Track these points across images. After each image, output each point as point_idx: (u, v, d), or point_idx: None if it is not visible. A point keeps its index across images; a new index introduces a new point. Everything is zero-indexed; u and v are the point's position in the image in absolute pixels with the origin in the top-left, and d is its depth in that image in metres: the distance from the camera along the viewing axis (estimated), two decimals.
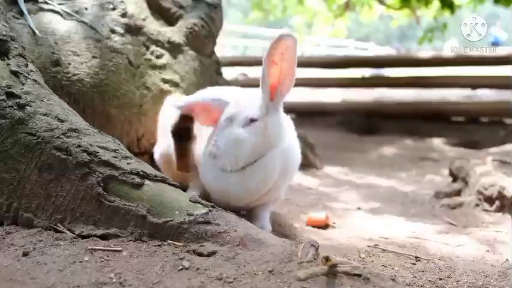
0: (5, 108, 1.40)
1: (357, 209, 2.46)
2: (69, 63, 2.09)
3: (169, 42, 2.46)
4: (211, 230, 1.24)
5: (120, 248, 1.21)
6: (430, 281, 1.41)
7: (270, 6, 10.09)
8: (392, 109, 5.99)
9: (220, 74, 2.86)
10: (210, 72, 2.71)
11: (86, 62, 2.13)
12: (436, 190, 2.73)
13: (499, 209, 2.21)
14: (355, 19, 13.40)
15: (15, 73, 1.49)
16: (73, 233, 1.29)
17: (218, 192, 1.65)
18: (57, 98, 1.54)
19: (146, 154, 2.27)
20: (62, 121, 1.42)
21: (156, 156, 2.09)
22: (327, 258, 1.03)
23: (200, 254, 1.19)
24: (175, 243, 1.23)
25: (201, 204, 1.32)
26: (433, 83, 6.31)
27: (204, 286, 1.04)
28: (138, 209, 1.28)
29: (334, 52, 16.79)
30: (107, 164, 1.34)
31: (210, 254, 1.18)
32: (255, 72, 9.41)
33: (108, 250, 1.20)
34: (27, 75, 1.51)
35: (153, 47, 2.40)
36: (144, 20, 2.44)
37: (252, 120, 1.59)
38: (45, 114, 1.42)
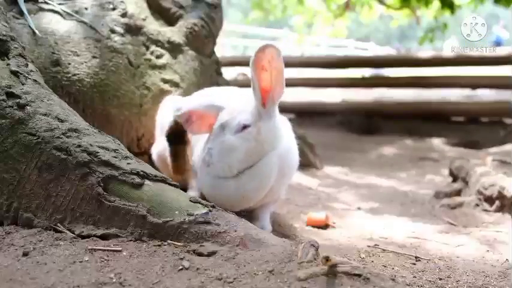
0: (5, 108, 1.40)
1: (357, 209, 2.46)
2: (69, 63, 2.09)
3: (169, 42, 2.47)
4: (211, 230, 1.24)
5: (120, 248, 1.21)
6: (430, 281, 1.41)
7: (270, 6, 10.09)
8: (392, 109, 5.99)
9: (220, 74, 2.86)
10: (210, 72, 2.71)
11: (86, 62, 2.13)
12: (436, 190, 2.73)
13: (499, 209, 2.21)
14: (355, 19, 13.40)
15: (15, 73, 1.49)
16: (73, 233, 1.29)
17: (214, 199, 1.64)
18: (57, 98, 1.54)
19: (146, 154, 2.27)
20: (62, 121, 1.42)
21: (154, 156, 2.10)
22: (327, 258, 1.03)
23: (200, 254, 1.19)
24: (175, 243, 1.23)
25: (201, 204, 1.32)
26: (433, 83, 6.31)
27: (204, 286, 1.04)
28: (138, 209, 1.28)
29: (334, 52, 16.80)
30: (107, 164, 1.34)
31: (210, 254, 1.18)
32: None
33: (108, 250, 1.20)
34: (27, 75, 1.51)
35: (153, 47, 2.40)
36: (144, 20, 2.44)
37: (245, 127, 1.59)
38: (45, 114, 1.42)
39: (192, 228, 1.25)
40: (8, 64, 1.52)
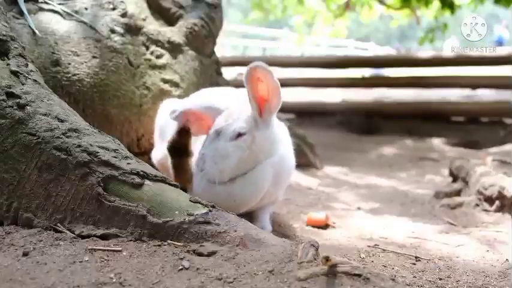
0: (5, 108, 1.40)
1: (357, 209, 2.46)
2: (69, 63, 2.09)
3: (169, 42, 2.47)
4: (211, 230, 1.24)
5: (120, 248, 1.21)
6: (430, 281, 1.41)
7: (270, 6, 10.08)
8: (392, 109, 5.99)
9: (220, 74, 2.86)
10: (210, 72, 2.71)
11: (85, 62, 2.13)
12: (436, 190, 2.73)
13: (499, 209, 2.21)
14: (355, 19, 13.40)
15: (15, 73, 1.49)
16: (73, 233, 1.29)
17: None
18: (57, 98, 1.54)
19: (146, 154, 2.27)
20: (62, 121, 1.42)
21: (155, 162, 2.08)
22: (327, 258, 1.03)
23: (200, 254, 1.19)
24: (175, 243, 1.23)
25: (201, 204, 1.32)
26: (433, 83, 6.30)
27: (204, 286, 1.04)
28: (138, 209, 1.28)
29: (334, 52, 16.79)
30: (107, 164, 1.34)
31: (210, 254, 1.18)
32: None
33: (108, 250, 1.20)
34: (27, 75, 1.51)
35: (153, 47, 2.40)
36: (144, 20, 2.44)
37: (240, 135, 1.59)
38: (45, 114, 1.42)
39: (192, 228, 1.25)
40: (8, 64, 1.52)
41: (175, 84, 2.43)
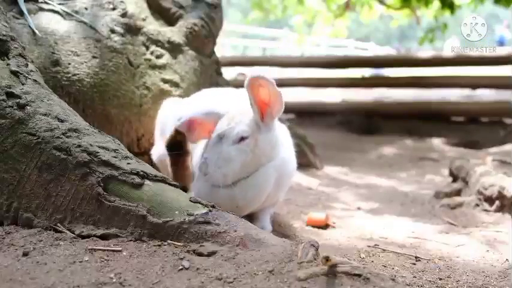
0: (5, 108, 1.40)
1: (357, 209, 2.46)
2: (69, 63, 2.09)
3: (169, 42, 2.47)
4: (211, 230, 1.24)
5: (120, 248, 1.21)
6: (430, 281, 1.42)
7: (270, 6, 10.08)
8: (392, 109, 5.99)
9: (220, 74, 2.86)
10: (210, 72, 2.71)
11: (85, 62, 2.13)
12: (436, 190, 2.73)
13: (499, 209, 2.21)
14: (355, 19, 13.40)
15: (15, 73, 1.49)
16: (73, 233, 1.29)
17: None
18: (57, 98, 1.54)
19: (146, 154, 2.27)
20: (62, 121, 1.42)
21: (155, 159, 2.09)
22: (327, 258, 1.03)
23: (200, 254, 1.19)
24: (175, 243, 1.23)
25: (201, 204, 1.32)
26: (433, 83, 6.30)
27: (204, 286, 1.04)
28: (138, 209, 1.28)
29: (334, 52, 16.79)
30: (107, 164, 1.34)
31: (210, 254, 1.18)
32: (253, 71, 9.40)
33: (108, 250, 1.20)
34: (27, 75, 1.51)
35: (153, 47, 2.40)
36: (144, 20, 2.44)
37: (243, 138, 1.59)
38: (45, 114, 1.42)
39: (192, 228, 1.25)
40: (8, 64, 1.52)
41: (175, 84, 2.43)
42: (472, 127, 5.48)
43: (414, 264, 1.59)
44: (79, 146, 1.36)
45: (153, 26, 2.47)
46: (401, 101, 6.23)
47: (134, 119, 2.28)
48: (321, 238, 1.87)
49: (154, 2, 2.56)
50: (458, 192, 2.61)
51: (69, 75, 2.08)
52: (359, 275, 1.02)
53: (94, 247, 1.21)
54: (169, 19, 2.60)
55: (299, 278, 1.03)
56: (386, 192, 2.91)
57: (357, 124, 5.73)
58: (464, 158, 3.01)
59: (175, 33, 2.51)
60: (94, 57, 2.16)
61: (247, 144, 1.60)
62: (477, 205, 2.33)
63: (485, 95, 7.02)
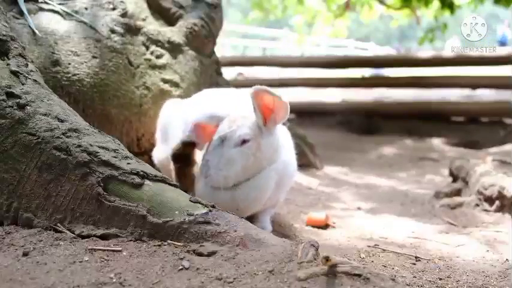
0: (5, 108, 1.40)
1: (357, 209, 2.46)
2: (69, 63, 2.09)
3: (169, 42, 2.47)
4: (211, 230, 1.24)
5: (120, 248, 1.21)
6: (430, 281, 1.42)
7: (270, 6, 10.08)
8: (392, 109, 5.99)
9: (220, 74, 2.86)
10: (210, 72, 2.71)
11: (85, 62, 2.13)
12: (436, 190, 2.73)
13: (499, 209, 2.21)
14: (355, 19, 13.40)
15: (15, 73, 1.49)
16: (73, 233, 1.29)
17: None
18: (57, 98, 1.54)
19: (146, 154, 2.27)
20: (62, 121, 1.42)
21: (156, 161, 2.09)
22: (327, 258, 1.03)
23: (200, 254, 1.19)
24: (175, 243, 1.23)
25: (201, 204, 1.32)
26: (433, 83, 6.30)
27: (204, 286, 1.04)
28: (138, 209, 1.28)
29: (334, 52, 16.79)
30: (106, 164, 1.34)
31: (210, 254, 1.18)
32: (253, 71, 9.41)
33: (108, 250, 1.20)
34: (27, 75, 1.51)
35: (153, 47, 2.40)
36: (144, 20, 2.44)
37: (244, 141, 1.59)
38: (45, 114, 1.42)
39: (192, 228, 1.25)
40: (8, 64, 1.52)
41: (175, 84, 2.43)
42: (472, 127, 5.48)
43: (414, 264, 1.60)
44: (79, 146, 1.36)
45: (153, 26, 2.47)
46: (401, 101, 6.23)
47: (134, 119, 2.28)
48: (321, 238, 1.88)
49: (154, 2, 2.56)
50: (458, 192, 2.61)
51: (69, 75, 2.08)
52: (359, 275, 1.02)
53: (94, 247, 1.21)
54: (169, 19, 2.60)
55: (299, 278, 1.03)
56: (386, 192, 2.91)
57: (357, 124, 5.73)
58: (464, 158, 3.01)
59: (175, 33, 2.51)
60: (94, 57, 2.16)
61: (249, 147, 1.60)
62: (477, 205, 2.33)
63: (485, 95, 7.01)
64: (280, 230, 1.91)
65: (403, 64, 6.66)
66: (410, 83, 6.50)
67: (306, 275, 1.03)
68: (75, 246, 1.22)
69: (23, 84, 1.47)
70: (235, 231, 1.24)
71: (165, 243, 1.24)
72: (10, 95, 1.42)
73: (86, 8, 2.27)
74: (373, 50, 18.85)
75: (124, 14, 2.34)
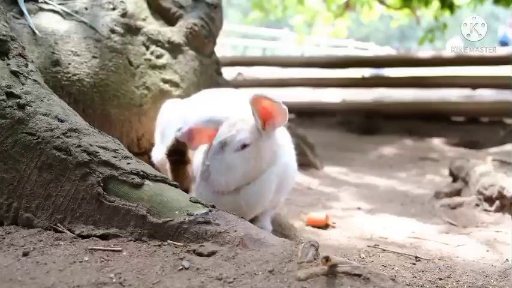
0: (5, 108, 1.40)
1: (357, 209, 2.46)
2: (69, 63, 2.09)
3: (169, 42, 2.47)
4: (211, 230, 1.24)
5: (120, 248, 1.21)
6: (430, 281, 1.42)
7: (270, 6, 10.08)
8: (392, 109, 5.98)
9: (220, 74, 2.86)
10: (210, 72, 2.71)
11: (86, 62, 2.13)
12: (436, 190, 2.73)
13: (499, 209, 2.21)
14: (355, 19, 13.39)
15: (15, 73, 1.49)
16: (73, 233, 1.29)
17: None
18: (57, 98, 1.54)
19: (146, 154, 2.27)
20: (62, 121, 1.42)
21: (155, 161, 2.09)
22: (327, 258, 1.03)
23: (200, 254, 1.19)
24: (175, 243, 1.23)
25: (201, 204, 1.32)
26: (433, 83, 6.30)
27: (204, 286, 1.04)
28: (138, 209, 1.28)
29: (334, 52, 16.78)
30: (106, 164, 1.34)
31: (210, 254, 1.18)
32: (253, 71, 9.42)
33: (108, 250, 1.20)
34: (27, 75, 1.51)
35: (153, 47, 2.40)
36: (144, 20, 2.44)
37: (245, 146, 1.59)
38: (45, 114, 1.42)
39: (192, 228, 1.25)
40: (8, 64, 1.52)
41: (175, 84, 2.43)
42: (472, 127, 5.48)
43: (414, 264, 1.60)
44: (79, 146, 1.36)
45: (153, 26, 2.47)
46: (401, 101, 6.23)
47: (134, 119, 2.28)
48: (321, 238, 1.88)
49: (154, 2, 2.56)
50: (458, 192, 2.61)
51: (69, 75, 2.08)
52: (359, 275, 1.02)
53: (94, 247, 1.21)
54: (169, 19, 2.60)
55: (299, 278, 1.03)
56: (386, 192, 2.91)
57: (356, 124, 5.73)
58: (464, 158, 3.01)
59: (175, 33, 2.51)
60: (94, 57, 2.16)
61: (250, 152, 1.60)
62: (477, 205, 2.33)
63: (485, 95, 7.01)
64: (280, 230, 1.91)
65: (403, 64, 6.66)
66: (410, 83, 6.50)
67: (306, 275, 1.03)
68: (75, 246, 1.22)
69: (23, 84, 1.47)
70: (235, 231, 1.24)
71: (165, 243, 1.24)
72: (10, 95, 1.42)
73: (86, 8, 2.27)
74: (373, 50, 18.85)
75: (124, 14, 2.34)
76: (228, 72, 6.40)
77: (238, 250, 1.19)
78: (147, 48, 2.38)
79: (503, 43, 12.34)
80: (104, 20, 2.27)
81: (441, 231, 2.05)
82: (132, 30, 2.34)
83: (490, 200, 2.27)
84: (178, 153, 1.78)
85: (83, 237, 1.28)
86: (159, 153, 2.06)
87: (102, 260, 1.16)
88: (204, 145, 1.72)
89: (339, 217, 2.23)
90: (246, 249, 1.20)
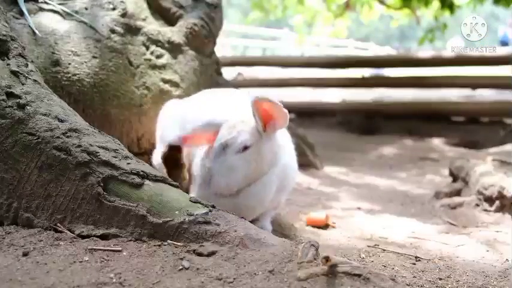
0: (5, 108, 1.40)
1: (357, 209, 2.46)
2: (69, 63, 2.09)
3: (169, 42, 2.47)
4: (211, 230, 1.24)
5: (120, 248, 1.21)
6: (430, 281, 1.42)
7: (270, 6, 10.07)
8: (392, 109, 5.98)
9: (220, 74, 2.86)
10: (210, 72, 2.71)
11: (86, 62, 2.13)
12: (436, 190, 2.73)
13: (499, 209, 2.21)
14: (355, 19, 13.39)
15: (15, 73, 1.49)
16: (73, 233, 1.29)
17: None
18: (57, 98, 1.54)
19: (146, 154, 2.27)
20: (62, 121, 1.42)
21: (154, 162, 2.09)
22: (327, 258, 1.03)
23: (200, 254, 1.19)
24: (175, 243, 1.23)
25: (201, 204, 1.32)
26: (433, 83, 6.30)
27: (204, 286, 1.04)
28: (138, 209, 1.28)
29: (334, 52, 16.78)
30: (106, 164, 1.34)
31: (210, 254, 1.18)
32: (253, 71, 9.42)
33: (108, 250, 1.20)
34: (27, 75, 1.51)
35: (153, 47, 2.40)
36: (144, 20, 2.44)
37: (246, 147, 1.59)
38: (45, 114, 1.42)
39: (192, 228, 1.25)
40: (8, 64, 1.52)
41: (175, 84, 2.43)
42: (472, 127, 5.48)
43: (414, 264, 1.59)
44: (79, 146, 1.36)
45: (153, 26, 2.47)
46: (401, 101, 6.22)
47: (134, 119, 2.28)
48: (321, 238, 1.88)
49: (154, 2, 2.56)
50: (458, 192, 2.61)
51: (69, 75, 2.08)
52: (359, 275, 1.02)
53: (94, 247, 1.21)
54: (169, 19, 2.60)
55: (299, 278, 1.03)
56: (386, 192, 2.91)
57: (356, 124, 5.72)
58: (464, 158, 3.01)
59: (175, 33, 2.51)
60: (94, 57, 2.16)
61: (251, 154, 1.60)
62: (477, 205, 2.33)
63: (485, 95, 7.01)
64: (280, 230, 1.91)
65: (403, 64, 6.65)
66: (410, 83, 6.49)
67: (306, 275, 1.03)
68: (75, 246, 1.22)
69: (23, 84, 1.47)
70: (235, 231, 1.24)
71: (165, 243, 1.24)
72: (10, 95, 1.42)
73: (86, 8, 2.27)
74: (373, 50, 18.84)
75: (124, 14, 2.34)
76: (228, 72, 6.40)
77: (238, 250, 1.19)
78: (147, 48, 2.38)
79: (503, 43, 12.34)
80: (104, 20, 2.27)
81: (441, 231, 2.05)
82: (132, 30, 2.34)
83: (490, 200, 2.27)
84: (172, 159, 1.80)
85: (83, 237, 1.28)
86: (158, 156, 2.07)
87: (102, 260, 1.16)
88: (203, 146, 1.72)
89: (339, 217, 2.23)
90: (246, 249, 1.20)
